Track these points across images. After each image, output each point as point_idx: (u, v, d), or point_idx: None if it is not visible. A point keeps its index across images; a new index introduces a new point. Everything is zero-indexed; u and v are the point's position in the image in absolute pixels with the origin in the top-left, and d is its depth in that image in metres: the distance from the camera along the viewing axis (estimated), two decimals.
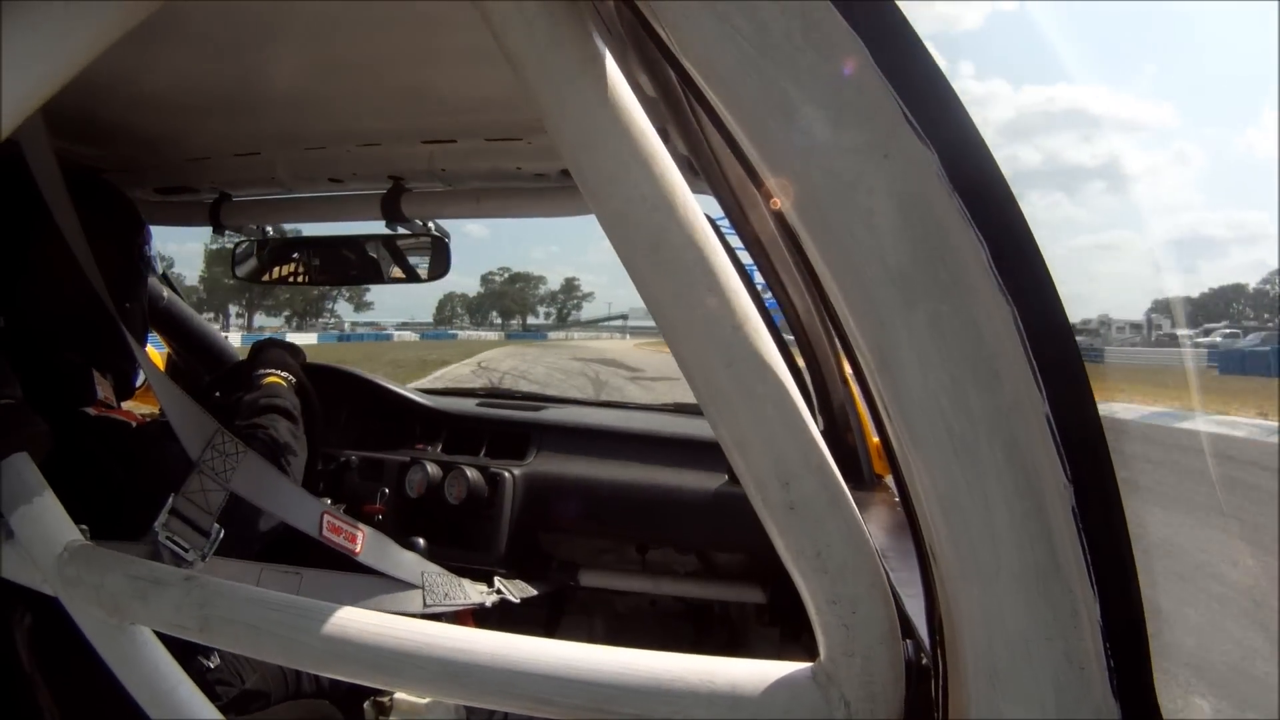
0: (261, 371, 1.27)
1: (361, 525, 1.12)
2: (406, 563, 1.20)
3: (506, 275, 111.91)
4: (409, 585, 1.17)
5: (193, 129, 1.30)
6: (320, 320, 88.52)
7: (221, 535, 0.92)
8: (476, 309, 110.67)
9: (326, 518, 1.06)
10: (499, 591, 1.41)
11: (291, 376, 1.28)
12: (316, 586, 1.06)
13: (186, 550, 0.89)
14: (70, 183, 0.94)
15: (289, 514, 1.04)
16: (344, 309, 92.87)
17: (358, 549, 1.10)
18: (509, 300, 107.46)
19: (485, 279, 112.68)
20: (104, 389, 1.12)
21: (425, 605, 1.18)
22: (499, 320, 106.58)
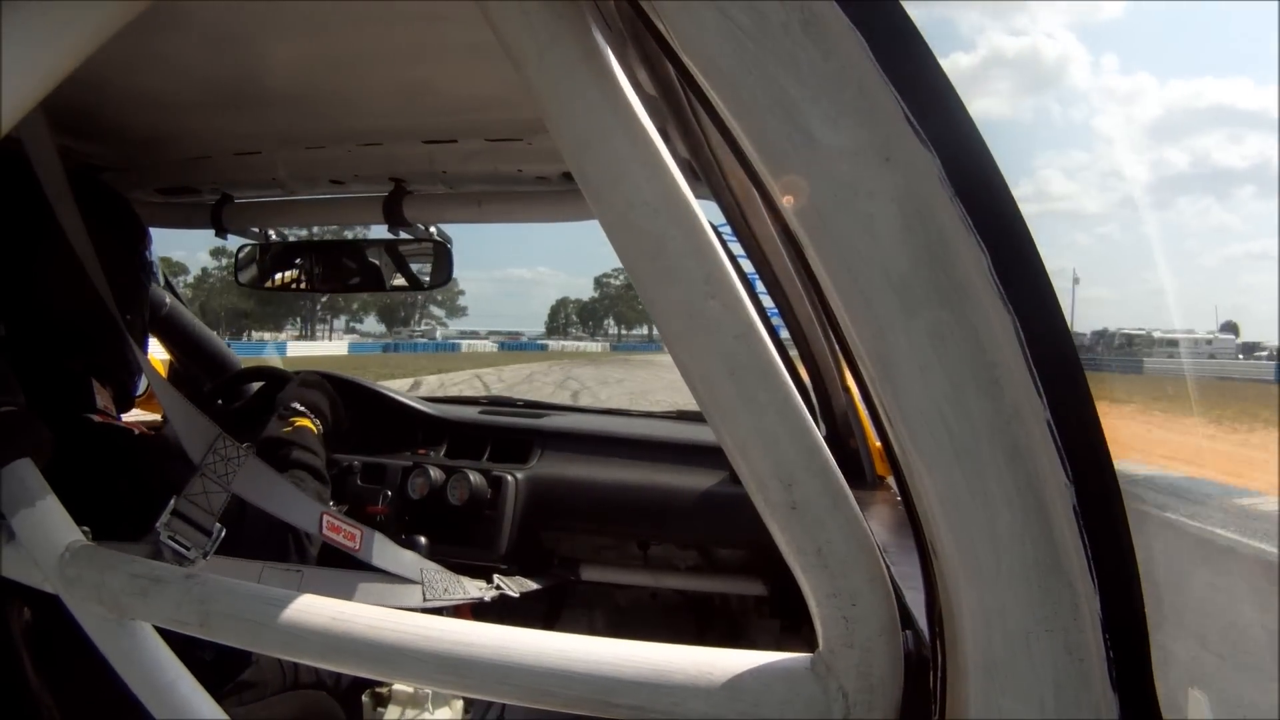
0: (296, 407, 1.27)
1: (360, 525, 1.13)
2: (406, 560, 1.21)
3: (622, 278, 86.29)
4: (408, 581, 1.18)
5: (193, 126, 1.30)
6: (407, 328, 79.99)
7: (223, 534, 0.92)
8: (590, 316, 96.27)
9: (326, 518, 1.07)
10: (498, 587, 1.41)
11: (320, 424, 1.28)
12: (317, 583, 1.06)
13: (188, 549, 0.90)
14: (74, 184, 0.94)
15: (289, 515, 1.05)
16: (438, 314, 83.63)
17: (357, 547, 1.11)
18: (624, 306, 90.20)
19: (599, 282, 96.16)
20: (103, 399, 1.12)
21: (425, 600, 1.19)
22: (616, 329, 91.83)
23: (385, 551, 1.17)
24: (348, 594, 1.10)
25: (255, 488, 0.98)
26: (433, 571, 1.23)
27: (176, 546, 0.89)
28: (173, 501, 0.91)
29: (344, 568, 1.13)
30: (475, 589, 1.33)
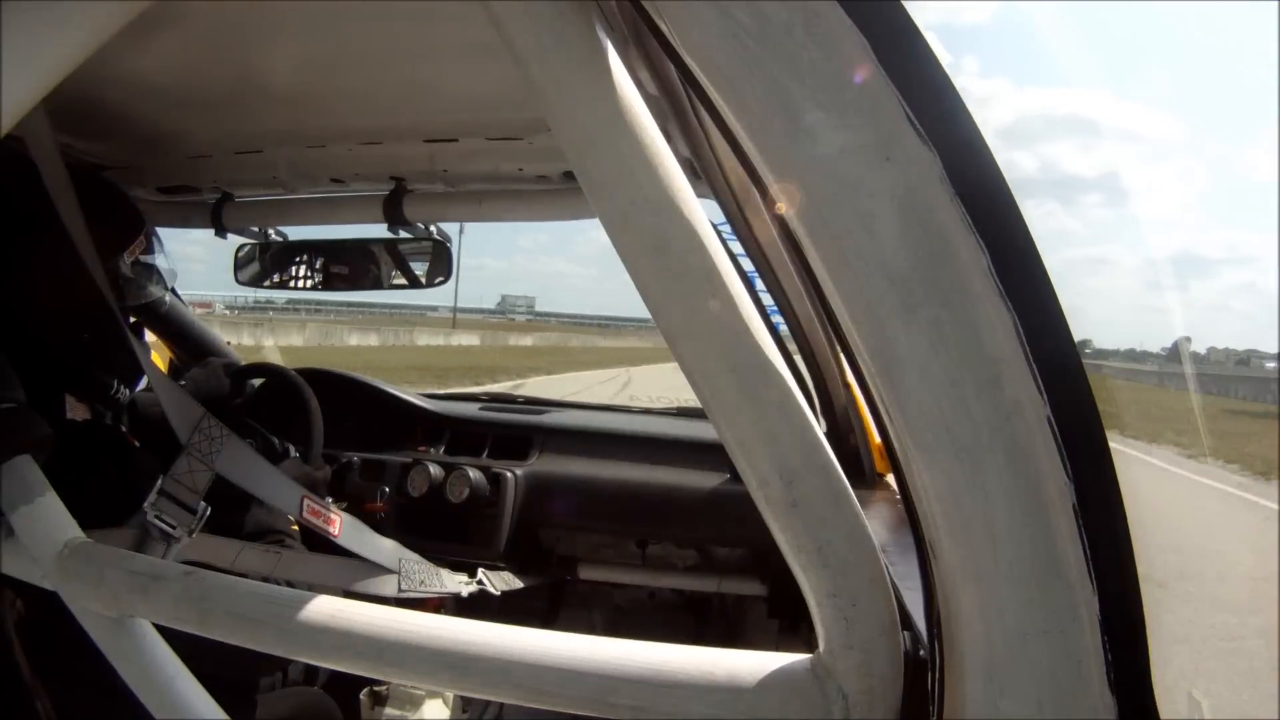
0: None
1: (339, 510, 1.15)
2: (385, 548, 1.21)
3: None
4: (385, 570, 1.19)
5: (194, 125, 1.30)
6: None
7: (208, 513, 0.93)
8: None
9: (306, 501, 1.08)
10: (480, 583, 1.41)
11: None
12: (294, 565, 1.08)
13: (174, 528, 0.91)
14: (78, 183, 0.94)
15: (270, 495, 1.07)
16: None
17: (336, 531, 1.12)
18: None
19: None
20: (79, 415, 1.11)
21: (400, 590, 1.19)
22: None
23: (364, 539, 1.18)
24: (323, 577, 1.11)
25: (237, 467, 1.00)
26: (411, 562, 1.24)
27: (164, 526, 0.91)
28: (159, 481, 0.92)
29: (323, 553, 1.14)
30: (454, 583, 1.33)
